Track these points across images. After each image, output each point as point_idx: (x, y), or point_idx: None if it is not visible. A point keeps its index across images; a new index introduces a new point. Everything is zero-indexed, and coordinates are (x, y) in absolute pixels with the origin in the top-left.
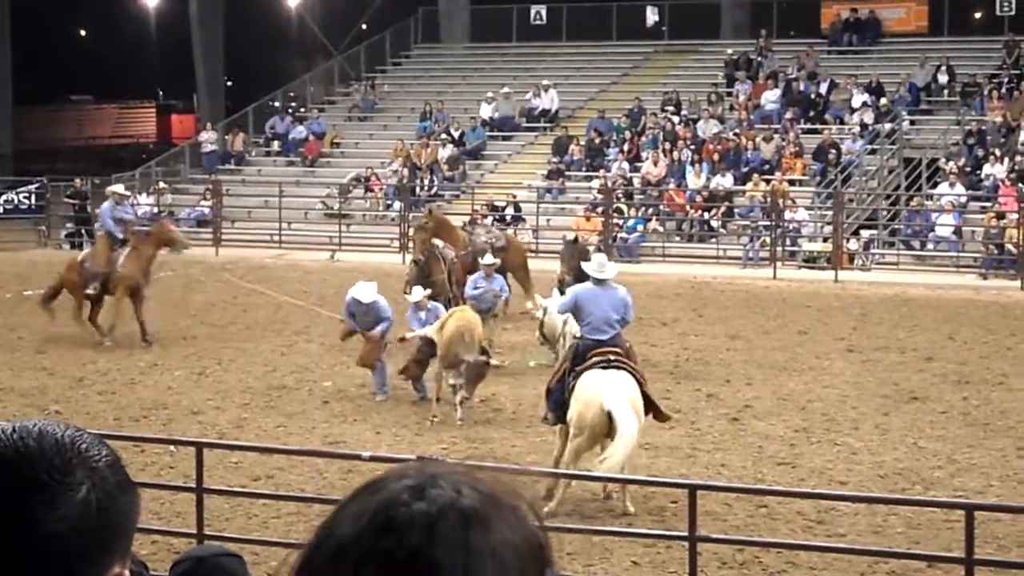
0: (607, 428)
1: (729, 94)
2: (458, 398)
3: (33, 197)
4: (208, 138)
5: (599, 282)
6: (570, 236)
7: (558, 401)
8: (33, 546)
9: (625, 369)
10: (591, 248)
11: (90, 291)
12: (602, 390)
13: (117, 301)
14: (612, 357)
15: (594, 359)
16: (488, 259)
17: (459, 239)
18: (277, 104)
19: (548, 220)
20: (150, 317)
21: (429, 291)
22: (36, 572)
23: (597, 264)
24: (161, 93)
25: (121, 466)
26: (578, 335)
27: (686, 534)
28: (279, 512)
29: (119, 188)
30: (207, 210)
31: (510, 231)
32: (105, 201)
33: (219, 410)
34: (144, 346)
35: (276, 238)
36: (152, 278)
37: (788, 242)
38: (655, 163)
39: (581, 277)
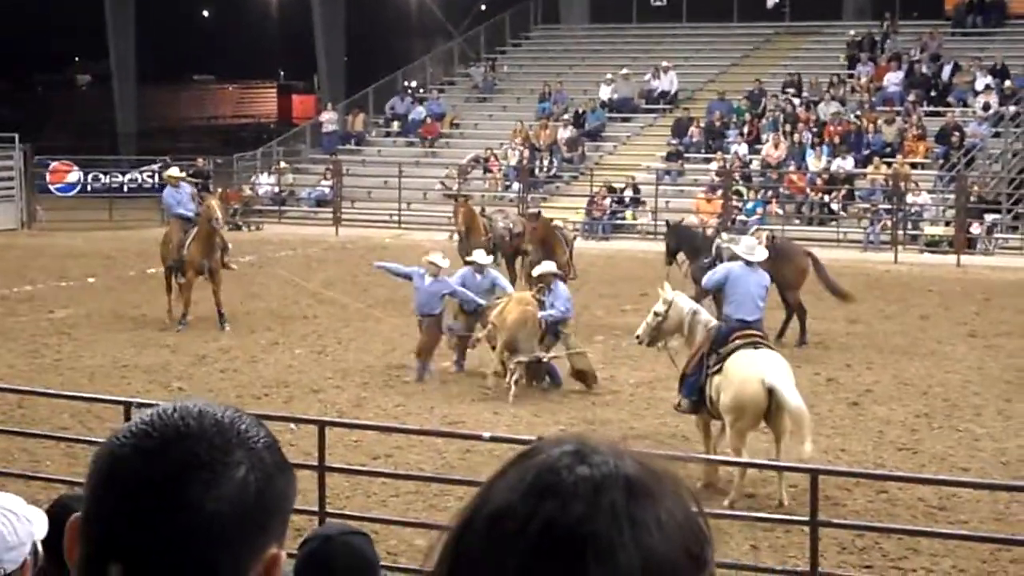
0: (767, 406)
1: (851, 76)
2: (514, 377)
3: (156, 176)
4: (329, 118)
5: (748, 264)
6: (674, 221)
7: (694, 386)
8: (193, 525)
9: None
10: (707, 231)
11: (174, 277)
12: (760, 366)
13: (186, 285)
14: (758, 340)
15: (739, 341)
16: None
17: (480, 227)
18: (398, 85)
19: (667, 202)
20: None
21: (492, 257)
22: (195, 551)
23: (747, 246)
24: (282, 73)
25: (278, 448)
26: (711, 324)
27: (807, 519)
28: (398, 491)
29: (174, 171)
30: (327, 190)
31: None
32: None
33: (339, 389)
34: (220, 329)
35: (395, 218)
36: (224, 254)
37: (910, 226)
38: (775, 145)
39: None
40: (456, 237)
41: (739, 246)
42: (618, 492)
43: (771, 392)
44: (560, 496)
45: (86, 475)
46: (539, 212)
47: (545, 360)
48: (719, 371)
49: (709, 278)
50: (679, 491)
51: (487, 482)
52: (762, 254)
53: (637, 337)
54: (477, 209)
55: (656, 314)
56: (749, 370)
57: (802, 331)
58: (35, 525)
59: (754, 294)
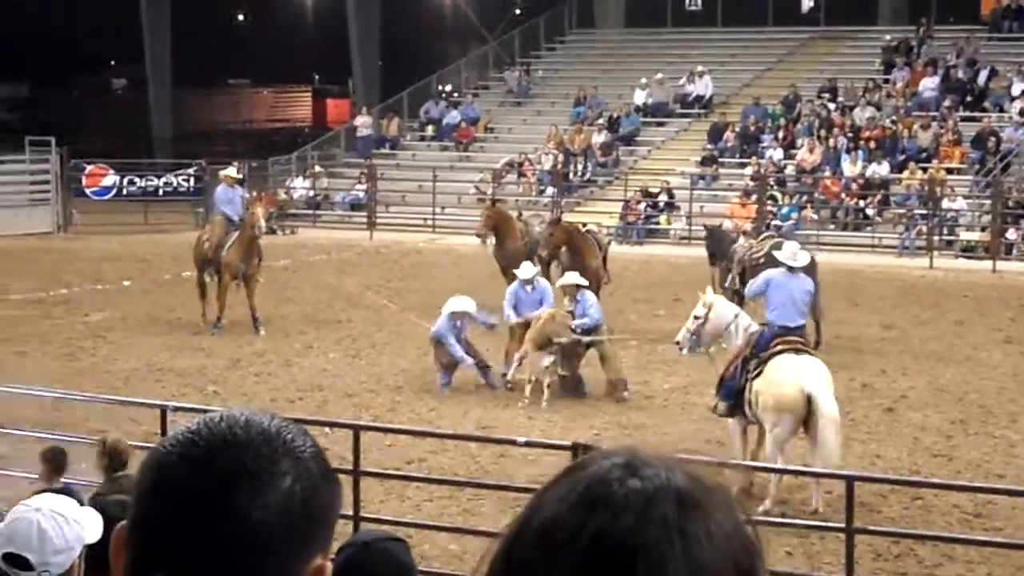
0: (806, 412)
1: (886, 81)
2: (547, 380)
3: (191, 180)
4: (363, 122)
5: (791, 270)
6: (712, 224)
7: (732, 390)
8: (240, 533)
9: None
10: (735, 235)
11: (206, 277)
12: (800, 373)
13: (222, 289)
14: (800, 346)
15: (780, 347)
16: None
17: (516, 231)
18: (432, 89)
19: (701, 207)
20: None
21: (538, 269)
22: (242, 560)
23: (790, 252)
24: (317, 77)
25: (324, 458)
26: (751, 328)
27: (843, 526)
28: (432, 495)
29: (231, 172)
30: (362, 194)
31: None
32: (219, 184)
33: (373, 393)
34: (255, 333)
35: (430, 222)
36: (260, 263)
37: (945, 231)
38: (810, 150)
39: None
40: (490, 242)
41: (781, 252)
42: (669, 504)
43: (809, 399)
44: (611, 508)
45: (134, 483)
46: (559, 217)
47: (584, 342)
48: (759, 375)
49: (750, 286)
50: (729, 503)
51: (537, 494)
52: (804, 259)
53: (677, 342)
54: (514, 214)
55: (696, 317)
56: (789, 376)
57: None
58: (86, 528)
59: (797, 300)
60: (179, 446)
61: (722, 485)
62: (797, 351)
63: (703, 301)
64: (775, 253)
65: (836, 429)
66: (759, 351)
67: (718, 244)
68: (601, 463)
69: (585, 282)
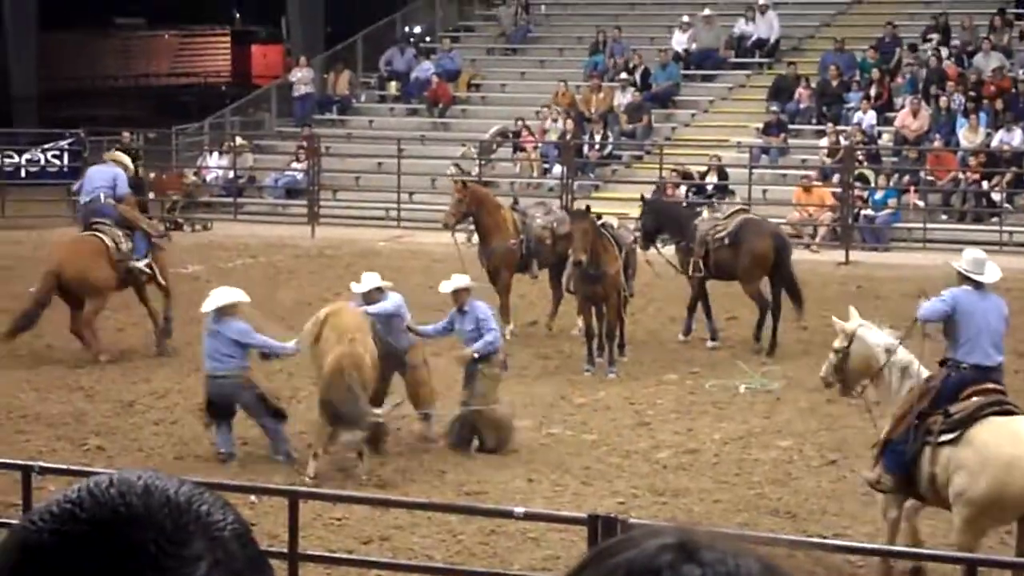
0: None
1: (1019, 18)
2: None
3: (66, 156)
4: (301, 77)
5: (978, 286)
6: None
7: (903, 460)
8: None
9: None
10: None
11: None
12: None
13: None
14: (1003, 398)
15: (978, 399)
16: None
17: (506, 223)
18: (396, 32)
19: (764, 191)
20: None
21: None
22: None
23: (974, 262)
24: (238, 16)
25: (251, 538)
26: (912, 367)
27: None
28: None
29: (120, 155)
30: (300, 175)
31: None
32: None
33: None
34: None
35: (392, 214)
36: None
37: None
38: (913, 113)
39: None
40: (463, 238)
41: (964, 262)
42: None
43: None
44: None
45: None
46: (588, 208)
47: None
48: (953, 442)
49: (931, 308)
50: None
51: None
52: (994, 273)
53: (822, 378)
54: (506, 201)
55: (836, 351)
56: (1015, 450)
57: (758, 327)
58: None
59: (992, 328)
60: (52, 521)
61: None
62: (1006, 409)
63: (842, 330)
64: (957, 266)
65: None
66: (943, 403)
67: (666, 220)
68: (645, 544)
69: (473, 285)
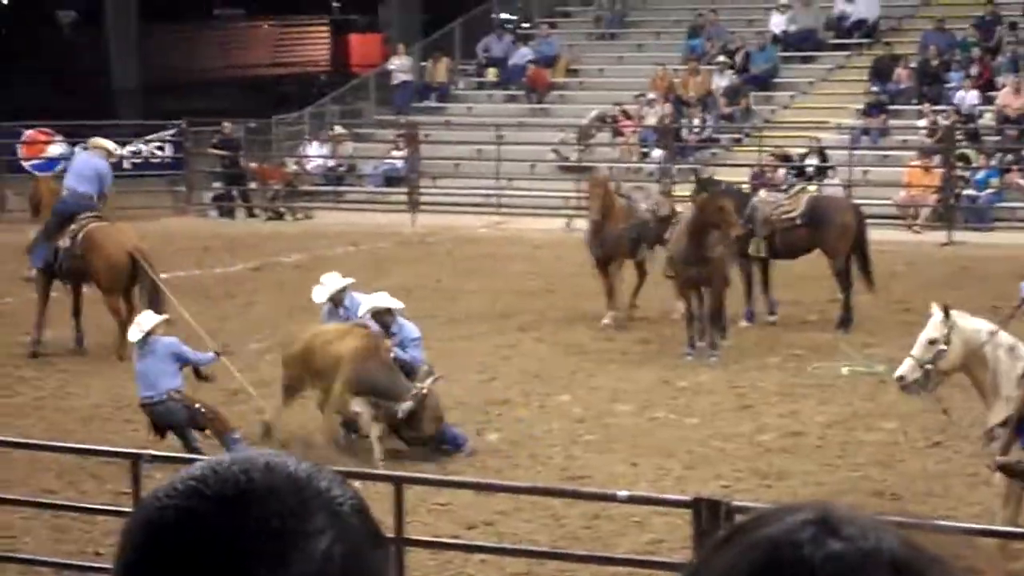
0: None
1: None
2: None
3: (168, 147)
4: (400, 65)
5: None
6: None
7: None
8: None
9: None
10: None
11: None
12: None
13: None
14: None
15: None
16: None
17: (618, 210)
18: (493, 19)
19: (865, 172)
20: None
21: (347, 281)
22: None
23: None
24: (336, 6)
25: (370, 513)
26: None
27: None
28: (503, 571)
29: (104, 141)
30: (400, 163)
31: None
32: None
33: None
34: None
35: (493, 200)
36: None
37: None
38: (1016, 91)
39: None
40: (574, 225)
41: None
42: (883, 575)
43: None
44: None
45: (114, 552)
46: (711, 178)
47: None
48: None
49: None
50: None
51: (694, 564)
52: None
53: (900, 378)
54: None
55: (931, 342)
56: None
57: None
58: None
59: None
60: (178, 497)
61: (944, 556)
62: None
63: (935, 322)
64: None
65: None
66: None
67: None
68: (786, 519)
69: (398, 305)
